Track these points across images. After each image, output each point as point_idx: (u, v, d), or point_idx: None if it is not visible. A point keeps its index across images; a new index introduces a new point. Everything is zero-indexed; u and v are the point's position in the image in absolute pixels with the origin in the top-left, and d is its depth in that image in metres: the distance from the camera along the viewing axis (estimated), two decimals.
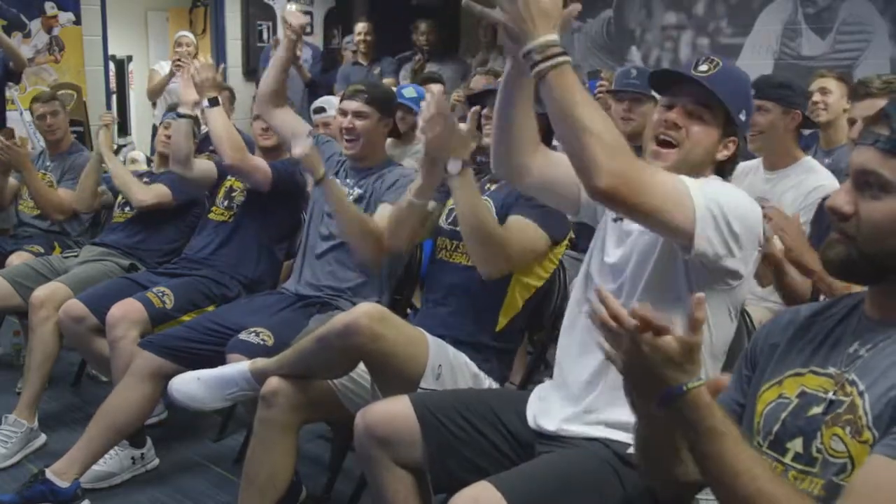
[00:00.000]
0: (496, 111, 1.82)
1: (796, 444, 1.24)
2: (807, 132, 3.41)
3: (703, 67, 1.73)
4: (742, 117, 1.75)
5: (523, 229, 2.23)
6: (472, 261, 2.23)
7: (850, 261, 1.20)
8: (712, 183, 1.69)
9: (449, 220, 2.42)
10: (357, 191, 2.79)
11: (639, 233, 1.74)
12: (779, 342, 1.35)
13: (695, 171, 1.73)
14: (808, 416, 1.23)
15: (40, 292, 3.16)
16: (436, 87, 4.30)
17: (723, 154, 1.76)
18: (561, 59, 1.48)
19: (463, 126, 2.18)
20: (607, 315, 1.15)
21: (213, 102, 3.08)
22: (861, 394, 1.17)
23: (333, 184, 2.61)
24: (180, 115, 3.18)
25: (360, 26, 6.43)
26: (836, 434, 1.18)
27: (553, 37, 1.49)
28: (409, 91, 4.02)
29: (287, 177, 3.12)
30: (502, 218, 2.25)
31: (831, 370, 1.24)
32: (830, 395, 1.22)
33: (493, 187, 2.39)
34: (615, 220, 1.82)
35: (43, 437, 3.14)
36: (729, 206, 1.59)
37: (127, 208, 3.61)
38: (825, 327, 1.31)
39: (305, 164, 2.61)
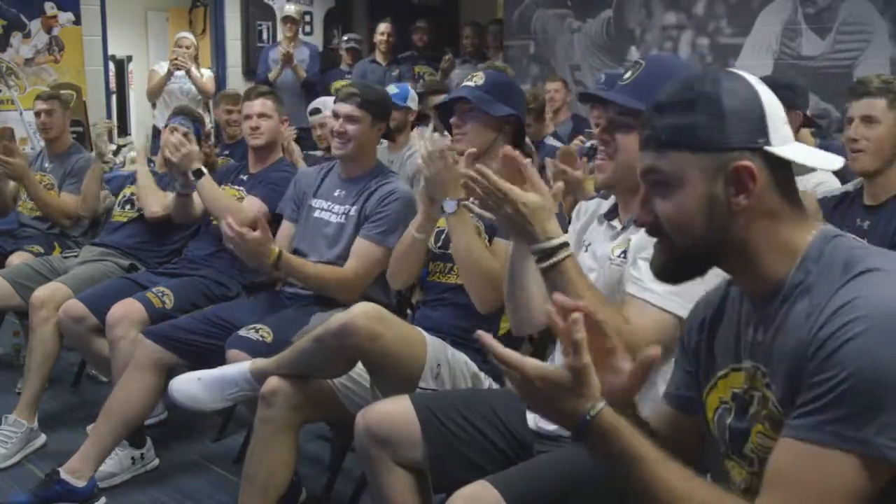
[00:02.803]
0: (507, 280, 1.84)
1: (748, 448, 1.20)
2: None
3: (627, 74, 1.72)
4: None
5: (507, 252, 2.22)
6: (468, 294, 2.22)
7: (673, 260, 1.21)
8: None
9: (439, 244, 2.41)
10: (353, 210, 2.75)
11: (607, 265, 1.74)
12: (699, 340, 1.33)
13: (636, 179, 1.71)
14: (748, 417, 1.20)
15: (40, 292, 3.16)
16: (428, 130, 4.16)
17: None
18: (560, 256, 1.57)
19: (459, 166, 2.13)
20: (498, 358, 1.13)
21: (198, 175, 3.05)
22: (768, 385, 1.15)
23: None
24: (180, 194, 3.22)
25: (383, 27, 6.46)
26: (760, 431, 1.16)
27: (554, 241, 1.58)
28: (391, 88, 4.01)
29: (294, 205, 3.02)
30: (490, 231, 2.27)
31: (748, 364, 1.21)
32: (739, 390, 1.20)
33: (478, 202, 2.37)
34: (586, 249, 1.83)
35: (43, 437, 3.15)
36: None
37: (127, 206, 3.60)
38: (731, 319, 1.28)
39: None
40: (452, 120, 2.35)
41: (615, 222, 1.80)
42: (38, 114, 3.99)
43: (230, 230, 2.47)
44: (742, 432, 1.21)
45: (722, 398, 1.26)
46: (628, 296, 1.64)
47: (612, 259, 1.73)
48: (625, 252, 1.71)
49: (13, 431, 3.03)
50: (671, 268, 1.23)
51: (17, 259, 3.62)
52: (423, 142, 2.24)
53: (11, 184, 3.98)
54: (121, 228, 3.58)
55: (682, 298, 1.56)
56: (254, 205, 3.09)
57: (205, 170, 3.09)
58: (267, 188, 3.15)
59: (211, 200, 3.07)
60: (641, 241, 1.67)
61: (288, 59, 6.20)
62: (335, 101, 2.84)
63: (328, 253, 2.75)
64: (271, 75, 6.35)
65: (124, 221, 3.59)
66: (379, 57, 6.45)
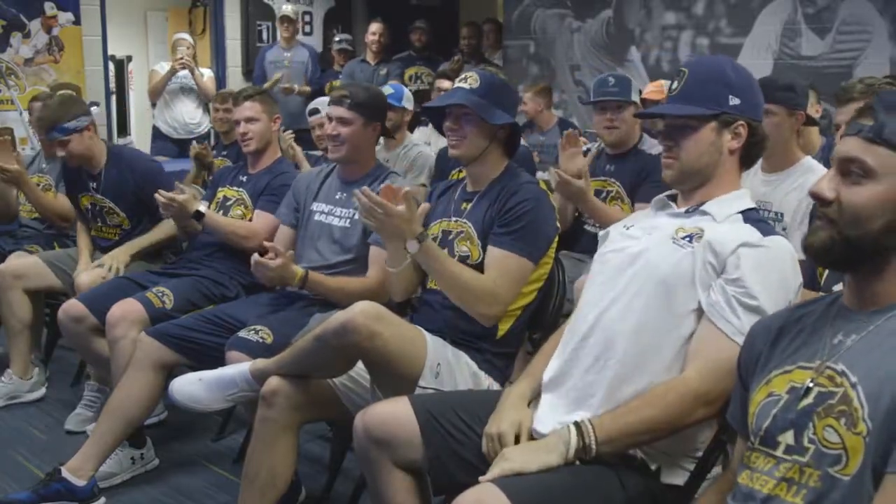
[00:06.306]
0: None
1: (787, 437, 1.26)
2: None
3: (675, 85, 1.81)
4: (735, 101, 1.76)
5: (502, 263, 2.21)
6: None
7: (832, 244, 1.25)
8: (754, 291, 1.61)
9: None
10: (358, 213, 2.74)
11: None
12: (762, 350, 1.39)
13: (707, 171, 1.78)
14: (798, 409, 1.26)
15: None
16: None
17: (732, 144, 1.77)
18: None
19: (401, 208, 2.12)
20: None
21: (199, 216, 3.04)
22: (854, 385, 1.20)
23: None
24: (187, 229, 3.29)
25: (375, 27, 6.41)
26: (830, 425, 1.21)
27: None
28: (386, 89, 4.00)
29: (293, 211, 3.02)
30: (484, 239, 2.26)
31: (817, 363, 1.27)
32: (809, 383, 1.25)
33: (469, 206, 2.35)
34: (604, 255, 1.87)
35: None
36: (773, 297, 1.59)
37: (98, 221, 3.52)
38: (806, 324, 1.35)
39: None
40: (447, 124, 2.33)
41: (672, 204, 1.87)
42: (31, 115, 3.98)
43: (253, 262, 2.52)
44: (787, 423, 1.26)
45: (773, 392, 1.32)
46: (730, 342, 1.59)
47: (676, 238, 1.74)
48: (690, 237, 1.72)
49: (97, 396, 3.25)
50: (829, 249, 1.26)
51: (16, 259, 3.61)
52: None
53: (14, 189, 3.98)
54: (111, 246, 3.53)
55: None
56: (266, 222, 3.09)
57: (203, 208, 3.06)
58: (271, 199, 3.14)
59: (223, 233, 3.10)
60: (717, 245, 1.66)
61: (289, 93, 6.21)
62: (328, 104, 2.83)
63: (333, 257, 2.76)
64: (266, 86, 6.28)
65: (113, 239, 3.52)
66: (369, 56, 6.42)
